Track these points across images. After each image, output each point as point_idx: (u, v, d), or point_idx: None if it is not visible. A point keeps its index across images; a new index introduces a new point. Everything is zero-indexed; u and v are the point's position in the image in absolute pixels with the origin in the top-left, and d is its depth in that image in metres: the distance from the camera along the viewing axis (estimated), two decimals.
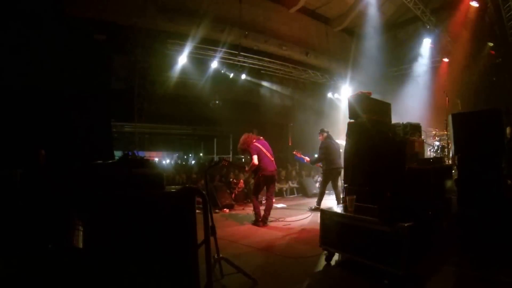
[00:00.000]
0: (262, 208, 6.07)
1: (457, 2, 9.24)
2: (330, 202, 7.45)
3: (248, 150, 6.02)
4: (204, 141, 19.92)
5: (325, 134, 7.49)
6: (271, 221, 6.22)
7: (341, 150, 7.14)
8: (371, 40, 11.33)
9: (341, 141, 7.30)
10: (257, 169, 5.96)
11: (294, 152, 8.21)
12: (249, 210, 7.44)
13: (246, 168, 6.25)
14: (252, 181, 7.57)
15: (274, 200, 6.58)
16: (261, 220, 5.93)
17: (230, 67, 11.03)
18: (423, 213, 3.92)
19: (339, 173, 7.23)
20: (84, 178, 2.24)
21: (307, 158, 7.85)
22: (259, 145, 6.01)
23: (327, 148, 7.26)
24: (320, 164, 7.57)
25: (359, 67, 11.96)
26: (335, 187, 7.36)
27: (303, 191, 10.24)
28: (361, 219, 3.40)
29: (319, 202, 7.25)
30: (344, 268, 3.66)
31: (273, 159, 6.15)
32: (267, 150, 6.10)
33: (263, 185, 6.14)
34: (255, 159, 5.84)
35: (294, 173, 10.82)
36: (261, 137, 6.28)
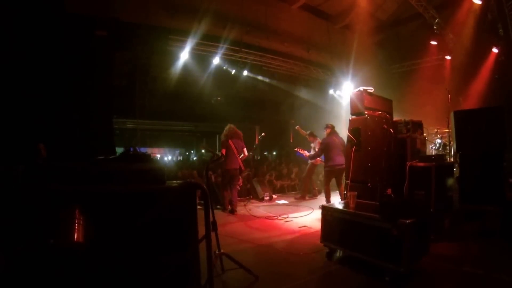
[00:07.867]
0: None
1: None
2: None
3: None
4: (206, 138, 19.97)
5: (328, 130, 7.22)
6: (273, 219, 6.27)
7: None
8: (373, 37, 11.28)
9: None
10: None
11: (296, 149, 8.24)
12: (251, 206, 7.58)
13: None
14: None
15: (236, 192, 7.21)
16: (229, 210, 6.86)
17: (232, 63, 10.98)
18: (424, 210, 3.93)
19: (341, 171, 6.73)
20: (86, 174, 2.24)
21: (306, 153, 7.79)
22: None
23: (327, 144, 6.95)
24: (322, 159, 7.47)
25: (360, 64, 11.92)
26: (338, 185, 6.97)
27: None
28: (362, 216, 3.41)
29: (327, 201, 6.78)
30: (345, 264, 3.66)
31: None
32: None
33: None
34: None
35: (295, 170, 10.80)
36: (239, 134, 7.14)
